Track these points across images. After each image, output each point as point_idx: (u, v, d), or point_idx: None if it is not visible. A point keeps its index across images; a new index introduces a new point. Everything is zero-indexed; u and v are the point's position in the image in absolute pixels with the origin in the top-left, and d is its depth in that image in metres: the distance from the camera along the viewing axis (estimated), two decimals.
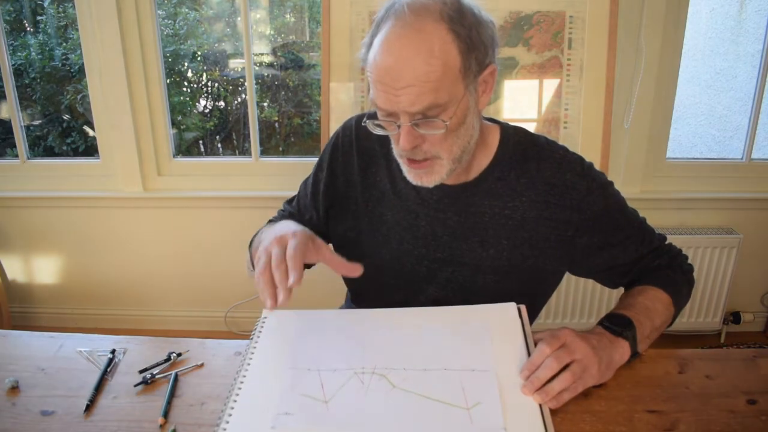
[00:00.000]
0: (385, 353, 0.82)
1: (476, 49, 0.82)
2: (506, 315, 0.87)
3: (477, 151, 0.95)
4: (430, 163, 0.88)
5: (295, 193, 1.17)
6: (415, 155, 0.87)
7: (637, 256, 1.01)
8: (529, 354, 0.81)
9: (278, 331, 0.88)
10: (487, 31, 0.84)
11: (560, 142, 1.00)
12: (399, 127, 0.84)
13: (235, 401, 0.76)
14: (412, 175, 0.91)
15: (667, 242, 1.05)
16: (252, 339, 0.87)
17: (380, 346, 0.84)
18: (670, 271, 1.01)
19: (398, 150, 0.90)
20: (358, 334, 0.87)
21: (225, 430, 0.72)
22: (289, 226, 0.88)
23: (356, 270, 0.87)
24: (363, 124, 0.90)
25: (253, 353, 0.84)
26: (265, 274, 0.81)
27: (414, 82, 0.79)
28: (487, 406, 0.73)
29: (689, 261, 1.06)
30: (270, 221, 1.15)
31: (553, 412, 0.75)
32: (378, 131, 0.89)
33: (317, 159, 1.10)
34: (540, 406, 0.74)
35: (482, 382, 0.77)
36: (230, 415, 0.74)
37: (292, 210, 1.13)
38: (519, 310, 0.88)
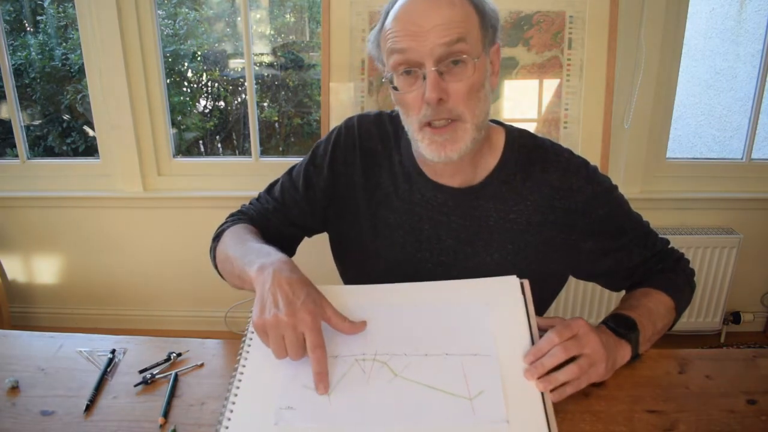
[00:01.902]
0: (385, 337, 0.81)
1: (489, 19, 0.87)
2: (508, 290, 0.86)
3: (482, 153, 0.95)
4: (453, 127, 0.86)
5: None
6: (439, 113, 0.85)
7: (640, 259, 1.01)
8: (531, 333, 0.80)
9: None
10: (494, 13, 0.88)
11: (560, 142, 1.00)
12: (424, 78, 0.83)
13: (236, 395, 0.76)
14: (434, 148, 0.87)
15: (669, 246, 1.05)
16: (249, 327, 0.84)
17: (380, 328, 0.83)
18: (673, 275, 1.01)
19: (419, 117, 0.87)
20: (357, 315, 0.85)
21: (227, 428, 0.72)
22: (296, 287, 0.78)
23: (360, 328, 0.82)
24: (383, 81, 0.90)
25: (251, 342, 0.82)
26: (282, 356, 0.77)
27: (441, 22, 0.82)
28: (490, 396, 0.73)
29: (690, 264, 1.06)
30: (238, 217, 1.06)
31: (553, 408, 0.74)
32: (397, 94, 0.87)
33: (309, 153, 1.06)
34: (543, 397, 0.74)
35: (484, 368, 0.76)
36: (231, 411, 0.74)
37: (276, 203, 1.06)
38: (522, 285, 0.86)
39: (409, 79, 0.85)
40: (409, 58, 0.83)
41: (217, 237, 1.03)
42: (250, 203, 1.10)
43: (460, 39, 0.82)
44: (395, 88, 0.87)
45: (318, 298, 0.79)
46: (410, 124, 0.90)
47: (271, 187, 1.10)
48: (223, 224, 1.06)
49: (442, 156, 0.87)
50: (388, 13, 0.87)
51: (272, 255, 0.85)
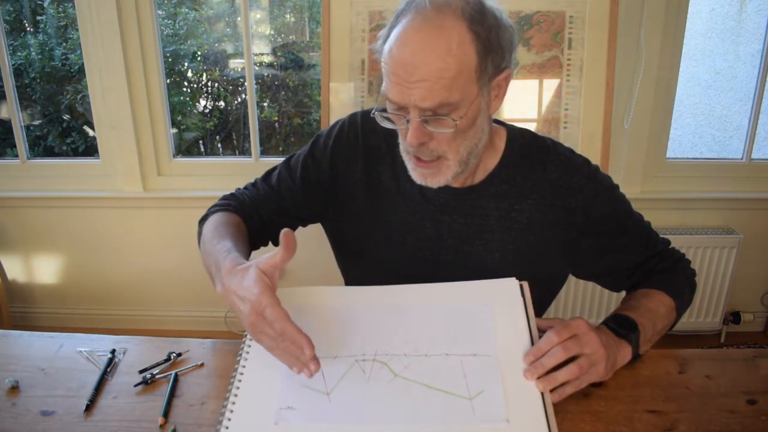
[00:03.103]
0: (385, 337, 0.82)
1: (494, 52, 0.82)
2: (507, 292, 0.86)
3: (484, 154, 0.95)
4: (436, 164, 0.87)
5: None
6: (421, 153, 0.86)
7: (641, 259, 1.01)
8: (531, 335, 0.80)
9: None
10: (507, 35, 0.83)
11: (560, 142, 1.00)
12: (408, 121, 0.82)
13: (236, 395, 0.76)
14: (417, 174, 0.90)
15: (670, 246, 1.05)
16: None
17: (380, 329, 0.83)
18: (674, 275, 1.01)
19: (405, 146, 0.89)
20: (357, 315, 0.85)
21: (227, 428, 0.72)
22: (242, 282, 0.75)
23: (289, 239, 0.75)
24: (372, 115, 0.88)
25: (251, 342, 0.82)
26: (275, 351, 0.76)
27: (428, 77, 0.78)
28: (489, 396, 0.73)
29: (691, 264, 1.06)
30: (227, 202, 1.04)
31: (553, 408, 0.74)
32: (386, 124, 0.87)
33: (309, 144, 1.05)
34: (542, 396, 0.74)
35: (484, 368, 0.77)
36: (231, 411, 0.74)
37: (271, 191, 1.05)
38: (521, 287, 0.86)
39: (397, 116, 0.85)
40: (396, 103, 0.83)
41: (203, 220, 1.02)
42: (245, 188, 1.09)
43: (442, 104, 0.79)
44: (388, 119, 0.87)
45: (256, 274, 0.74)
46: (401, 145, 0.92)
47: (268, 175, 1.09)
48: (211, 207, 1.04)
49: (424, 183, 0.90)
50: (389, 34, 0.83)
51: (222, 268, 0.81)
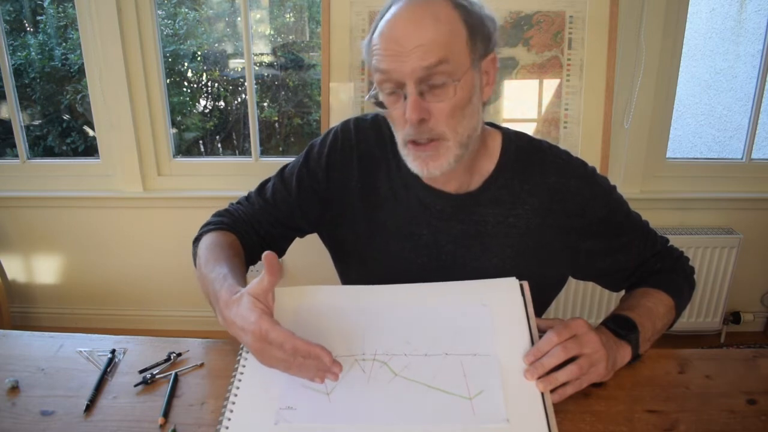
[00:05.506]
0: (385, 337, 0.82)
1: (480, 32, 0.84)
2: (507, 291, 0.86)
3: (479, 158, 0.94)
4: (435, 145, 0.85)
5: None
6: (420, 133, 0.84)
7: (640, 259, 1.00)
8: (531, 334, 0.81)
9: (276, 315, 0.86)
10: (490, 23, 0.86)
11: (560, 142, 1.00)
12: (405, 98, 0.82)
13: (236, 395, 0.76)
14: (417, 163, 0.88)
15: (669, 245, 1.05)
16: None
17: (380, 328, 0.83)
18: (674, 274, 1.01)
19: (403, 134, 0.87)
20: (357, 315, 0.85)
21: (227, 428, 0.72)
22: (238, 312, 0.75)
23: (273, 263, 0.75)
24: (367, 98, 0.88)
25: None
26: (292, 370, 0.75)
27: (422, 42, 0.80)
28: (490, 396, 0.73)
29: (690, 262, 1.06)
30: (220, 221, 1.02)
31: (553, 408, 0.74)
32: (380, 110, 0.87)
33: (303, 154, 1.04)
34: (542, 396, 0.74)
35: (484, 368, 0.77)
36: (231, 411, 0.74)
37: (266, 204, 1.04)
38: (521, 287, 0.86)
39: (393, 98, 0.85)
40: (391, 78, 0.83)
41: (197, 240, 1.00)
42: (239, 203, 1.08)
43: (441, 61, 0.80)
44: (380, 104, 0.87)
45: (249, 302, 0.75)
46: (398, 139, 0.90)
47: (261, 187, 1.07)
48: (204, 226, 1.02)
49: (425, 172, 0.88)
50: (377, 27, 0.85)
51: (219, 300, 0.80)
